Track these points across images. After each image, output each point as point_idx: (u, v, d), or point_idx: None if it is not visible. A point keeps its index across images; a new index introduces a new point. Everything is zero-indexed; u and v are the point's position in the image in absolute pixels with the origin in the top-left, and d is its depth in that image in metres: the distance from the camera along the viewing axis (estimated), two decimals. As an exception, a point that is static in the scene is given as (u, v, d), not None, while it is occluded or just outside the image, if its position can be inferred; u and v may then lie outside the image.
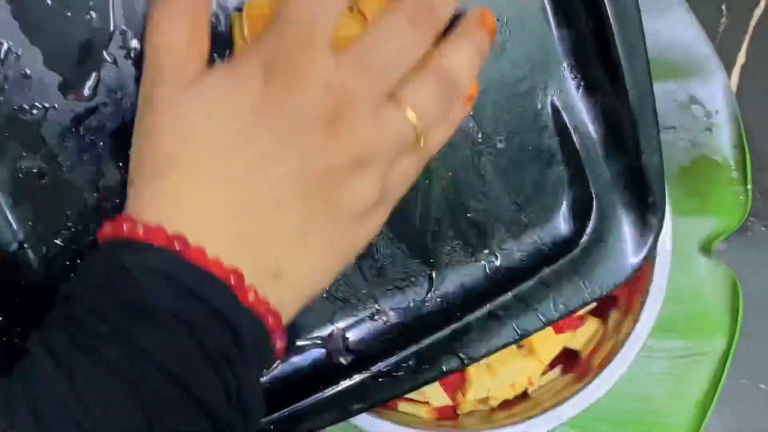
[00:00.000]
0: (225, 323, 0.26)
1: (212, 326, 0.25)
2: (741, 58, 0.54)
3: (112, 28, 0.29)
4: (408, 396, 0.44)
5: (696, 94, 0.52)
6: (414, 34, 0.28)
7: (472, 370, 0.44)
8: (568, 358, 0.46)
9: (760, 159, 0.53)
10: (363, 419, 0.41)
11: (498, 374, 0.44)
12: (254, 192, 0.27)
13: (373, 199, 0.29)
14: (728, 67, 0.53)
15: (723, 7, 0.55)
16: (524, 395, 0.45)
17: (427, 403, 0.44)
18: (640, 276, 0.43)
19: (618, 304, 0.45)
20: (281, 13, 0.28)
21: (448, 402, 0.44)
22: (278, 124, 0.27)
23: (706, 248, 0.50)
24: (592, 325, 0.45)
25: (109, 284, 0.25)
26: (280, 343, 0.28)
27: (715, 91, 0.52)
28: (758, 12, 0.55)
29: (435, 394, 0.44)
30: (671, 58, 0.52)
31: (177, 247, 0.26)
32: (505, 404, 0.45)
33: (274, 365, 0.32)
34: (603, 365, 0.42)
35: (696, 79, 0.52)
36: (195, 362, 0.25)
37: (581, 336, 0.45)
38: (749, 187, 0.51)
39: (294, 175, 0.27)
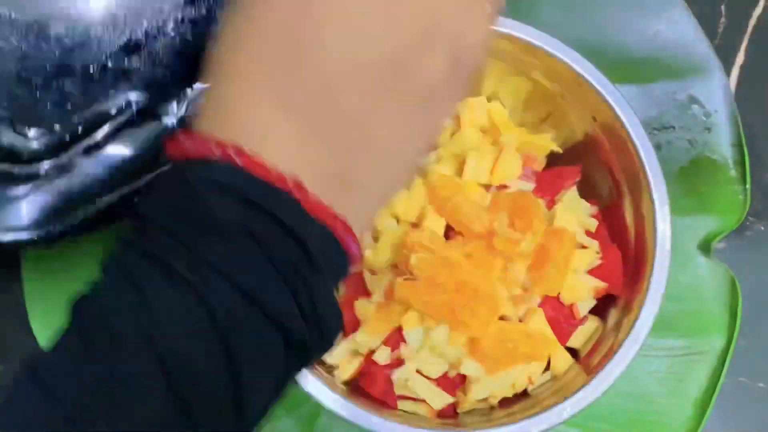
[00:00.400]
0: (293, 236, 0.24)
1: (279, 239, 0.24)
2: (740, 58, 0.54)
3: None
4: (406, 394, 0.44)
5: (695, 94, 0.52)
6: None
7: (471, 372, 0.44)
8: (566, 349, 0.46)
9: (759, 158, 0.53)
10: (362, 417, 0.41)
11: (498, 376, 0.44)
12: (304, 89, 0.25)
13: (445, 75, 0.26)
14: (727, 67, 0.54)
15: (722, 7, 0.55)
16: (524, 394, 0.45)
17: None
18: (639, 274, 0.43)
19: (617, 303, 0.45)
20: None
21: (449, 400, 0.44)
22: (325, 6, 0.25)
23: (705, 247, 0.50)
24: (591, 324, 0.46)
25: (175, 201, 0.25)
26: (355, 249, 0.26)
27: (714, 91, 0.52)
28: (757, 12, 0.55)
29: (432, 396, 0.44)
30: (671, 57, 0.53)
31: (235, 158, 0.24)
32: (505, 402, 0.45)
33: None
34: (602, 364, 0.42)
35: (695, 78, 0.52)
36: (263, 275, 0.24)
37: (581, 335, 0.46)
38: (748, 186, 0.51)
39: (346, 61, 0.25)
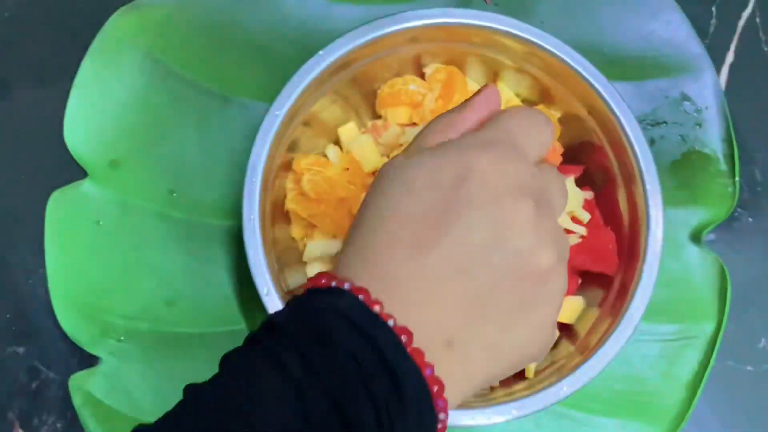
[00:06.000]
0: (390, 373, 0.26)
1: (378, 373, 0.26)
2: (730, 57, 0.55)
3: None
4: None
5: (687, 91, 0.53)
6: None
7: None
8: (563, 332, 0.47)
9: (748, 153, 0.54)
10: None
11: None
12: (442, 258, 0.28)
13: (553, 264, 0.30)
14: (718, 66, 0.55)
15: (713, 8, 0.56)
16: (522, 376, 0.46)
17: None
18: (633, 260, 0.44)
19: (612, 286, 0.46)
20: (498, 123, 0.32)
21: None
22: (478, 198, 0.29)
23: (696, 237, 0.51)
24: (577, 302, 0.47)
25: (304, 320, 0.28)
26: (442, 415, 0.28)
27: (705, 88, 0.53)
28: (746, 13, 0.56)
29: None
30: (664, 56, 0.54)
31: (360, 298, 0.28)
32: (505, 383, 0.46)
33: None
34: (598, 345, 0.43)
35: (687, 76, 0.53)
36: (357, 397, 0.26)
37: (568, 311, 0.47)
38: (737, 179, 0.52)
39: (483, 247, 0.28)
